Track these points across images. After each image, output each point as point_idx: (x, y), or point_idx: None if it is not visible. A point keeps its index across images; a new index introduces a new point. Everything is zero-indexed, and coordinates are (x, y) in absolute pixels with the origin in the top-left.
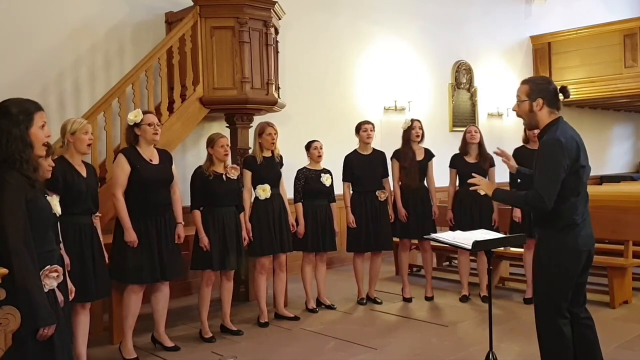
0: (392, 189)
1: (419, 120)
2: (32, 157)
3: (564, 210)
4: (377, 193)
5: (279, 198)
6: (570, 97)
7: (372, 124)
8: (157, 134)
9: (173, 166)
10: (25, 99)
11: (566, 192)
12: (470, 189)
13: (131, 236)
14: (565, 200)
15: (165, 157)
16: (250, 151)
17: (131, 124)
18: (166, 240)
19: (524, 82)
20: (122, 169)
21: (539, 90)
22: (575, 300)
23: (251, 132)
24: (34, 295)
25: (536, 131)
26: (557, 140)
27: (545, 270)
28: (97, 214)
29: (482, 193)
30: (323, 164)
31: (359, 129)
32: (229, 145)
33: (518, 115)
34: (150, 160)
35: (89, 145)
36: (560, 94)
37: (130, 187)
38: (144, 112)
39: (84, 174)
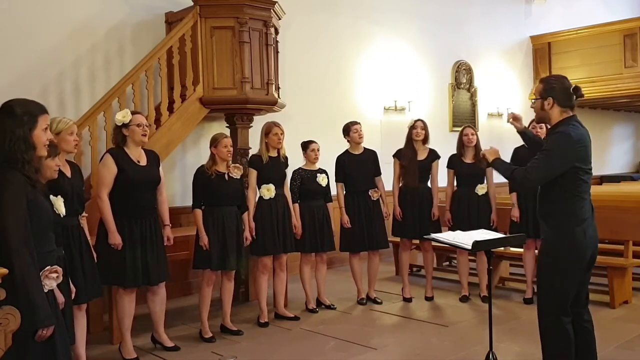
0: (384, 187)
1: (422, 121)
2: (34, 159)
3: (569, 206)
4: (369, 192)
5: (283, 198)
6: (583, 96)
7: (360, 123)
8: (145, 135)
9: (160, 168)
10: (30, 101)
11: (571, 188)
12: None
13: (115, 239)
14: (571, 196)
15: (153, 158)
16: (250, 151)
17: (119, 124)
18: (151, 244)
19: (540, 81)
20: (109, 170)
21: (550, 89)
22: (577, 300)
23: (251, 132)
24: (34, 296)
25: (540, 129)
26: (568, 134)
27: (550, 268)
28: (84, 214)
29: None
30: (323, 164)
31: (348, 130)
32: (232, 146)
33: (535, 112)
34: (138, 162)
35: (75, 145)
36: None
37: (116, 188)
38: (133, 113)
39: (69, 174)
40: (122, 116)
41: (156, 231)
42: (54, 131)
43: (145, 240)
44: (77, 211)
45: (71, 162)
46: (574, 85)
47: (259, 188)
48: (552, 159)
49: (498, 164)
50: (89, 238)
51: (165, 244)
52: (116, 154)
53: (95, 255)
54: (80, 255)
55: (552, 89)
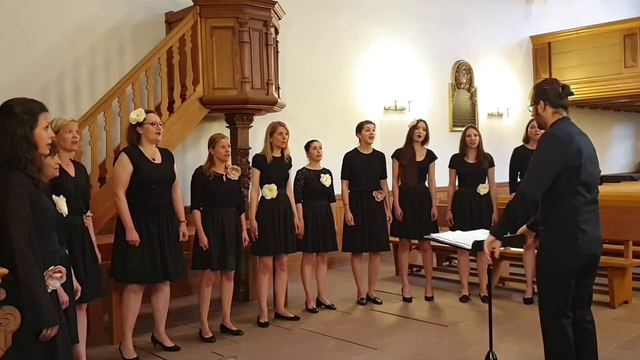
0: (389, 190)
1: (424, 121)
2: (36, 158)
3: (563, 209)
4: (373, 193)
5: (285, 199)
6: (573, 94)
7: (374, 124)
8: (159, 133)
9: (174, 165)
10: (30, 99)
11: (564, 190)
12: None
13: (133, 236)
14: (564, 200)
15: (167, 156)
16: (250, 151)
17: (134, 123)
18: (168, 240)
19: (533, 88)
20: (125, 168)
21: (542, 92)
22: (579, 301)
23: (251, 132)
24: (38, 296)
25: (539, 132)
26: (552, 134)
27: (544, 269)
28: (89, 213)
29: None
30: (323, 164)
31: (361, 128)
32: (230, 145)
33: (535, 120)
34: (153, 160)
35: (73, 142)
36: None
37: (132, 186)
38: (146, 112)
39: (72, 173)
40: (137, 115)
41: (172, 228)
42: (53, 129)
43: (163, 237)
44: (80, 210)
45: (75, 162)
46: (562, 84)
47: (262, 188)
48: (542, 165)
49: (497, 228)
50: (93, 238)
51: (180, 240)
52: (131, 153)
53: (99, 255)
54: (82, 255)
55: (544, 91)
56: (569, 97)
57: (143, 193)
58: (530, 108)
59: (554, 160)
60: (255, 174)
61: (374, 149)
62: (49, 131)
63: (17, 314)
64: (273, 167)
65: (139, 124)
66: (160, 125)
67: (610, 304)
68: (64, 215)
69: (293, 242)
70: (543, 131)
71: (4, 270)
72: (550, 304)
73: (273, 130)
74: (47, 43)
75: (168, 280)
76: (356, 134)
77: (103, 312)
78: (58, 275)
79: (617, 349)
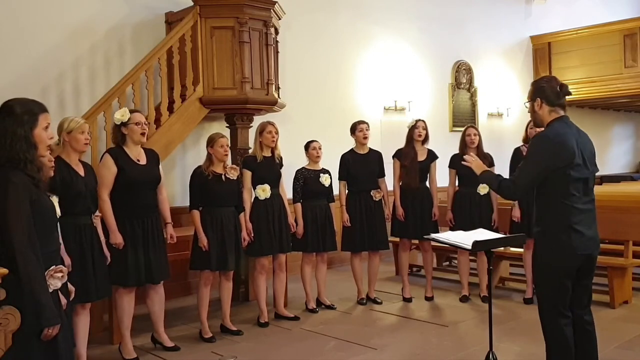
0: (387, 188)
1: (423, 121)
2: (36, 158)
3: (557, 210)
4: (371, 193)
5: (279, 198)
6: (571, 94)
7: (367, 124)
8: (144, 133)
9: (160, 166)
10: (30, 100)
11: (556, 192)
12: (463, 163)
13: (117, 239)
14: (557, 201)
15: (153, 157)
16: (250, 151)
17: (118, 123)
18: (153, 243)
19: (531, 85)
20: (109, 170)
21: (538, 90)
22: (579, 302)
23: (251, 132)
24: (39, 296)
25: (539, 129)
26: (545, 136)
27: (539, 269)
28: (97, 213)
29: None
30: (323, 164)
31: (354, 129)
32: (229, 145)
33: (531, 116)
34: (138, 161)
35: (85, 144)
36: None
37: (116, 188)
38: (131, 111)
39: (82, 173)
40: (121, 115)
41: (157, 230)
42: (66, 130)
43: (147, 239)
44: (90, 210)
45: (84, 162)
46: (560, 83)
47: (254, 188)
48: (530, 165)
49: (484, 177)
50: (102, 237)
51: (168, 242)
52: (115, 154)
53: (109, 254)
54: (92, 255)
55: (541, 89)
56: (566, 96)
57: (127, 195)
58: (527, 104)
59: (544, 164)
60: (247, 175)
61: (370, 148)
62: (48, 132)
63: (17, 314)
64: (264, 167)
65: (124, 124)
66: (146, 125)
67: (610, 304)
68: (57, 216)
69: (288, 241)
70: (540, 129)
71: (4, 270)
72: (548, 304)
73: (262, 129)
74: (47, 43)
75: (152, 283)
76: (351, 135)
77: (103, 312)
78: (59, 275)
79: (617, 349)
